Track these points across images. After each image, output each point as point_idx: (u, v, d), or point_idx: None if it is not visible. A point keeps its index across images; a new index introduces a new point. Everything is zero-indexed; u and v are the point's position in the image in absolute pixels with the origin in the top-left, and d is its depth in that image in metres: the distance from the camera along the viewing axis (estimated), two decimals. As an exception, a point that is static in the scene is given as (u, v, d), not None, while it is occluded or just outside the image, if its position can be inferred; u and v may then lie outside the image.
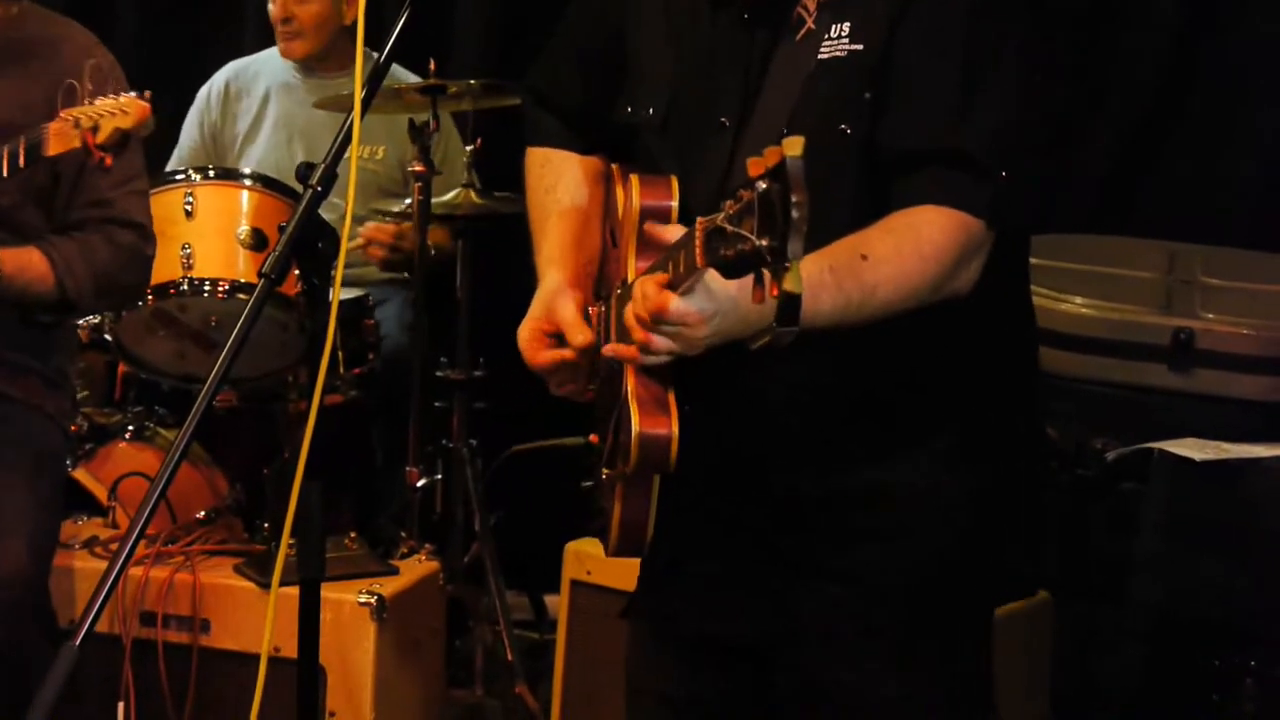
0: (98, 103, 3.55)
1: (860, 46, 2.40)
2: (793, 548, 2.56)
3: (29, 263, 3.77)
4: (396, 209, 5.13)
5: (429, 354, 4.94)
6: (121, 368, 4.86)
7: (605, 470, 2.53)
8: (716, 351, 2.30)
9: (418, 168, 4.78)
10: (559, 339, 2.54)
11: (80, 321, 4.51)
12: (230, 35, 6.15)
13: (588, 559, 4.19)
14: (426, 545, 4.54)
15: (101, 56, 3.89)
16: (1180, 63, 5.04)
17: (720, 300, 2.21)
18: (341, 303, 2.89)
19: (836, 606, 2.54)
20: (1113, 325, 4.33)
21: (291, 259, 2.63)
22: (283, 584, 2.80)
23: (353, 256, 5.35)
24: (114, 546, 4.25)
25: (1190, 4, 5.03)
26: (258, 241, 4.53)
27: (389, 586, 4.17)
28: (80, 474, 4.56)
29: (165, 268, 4.38)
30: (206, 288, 4.47)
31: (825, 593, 2.54)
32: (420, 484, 4.85)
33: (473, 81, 4.92)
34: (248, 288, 4.46)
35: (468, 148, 5.03)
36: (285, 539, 2.68)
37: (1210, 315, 4.36)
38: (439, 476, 4.95)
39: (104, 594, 2.29)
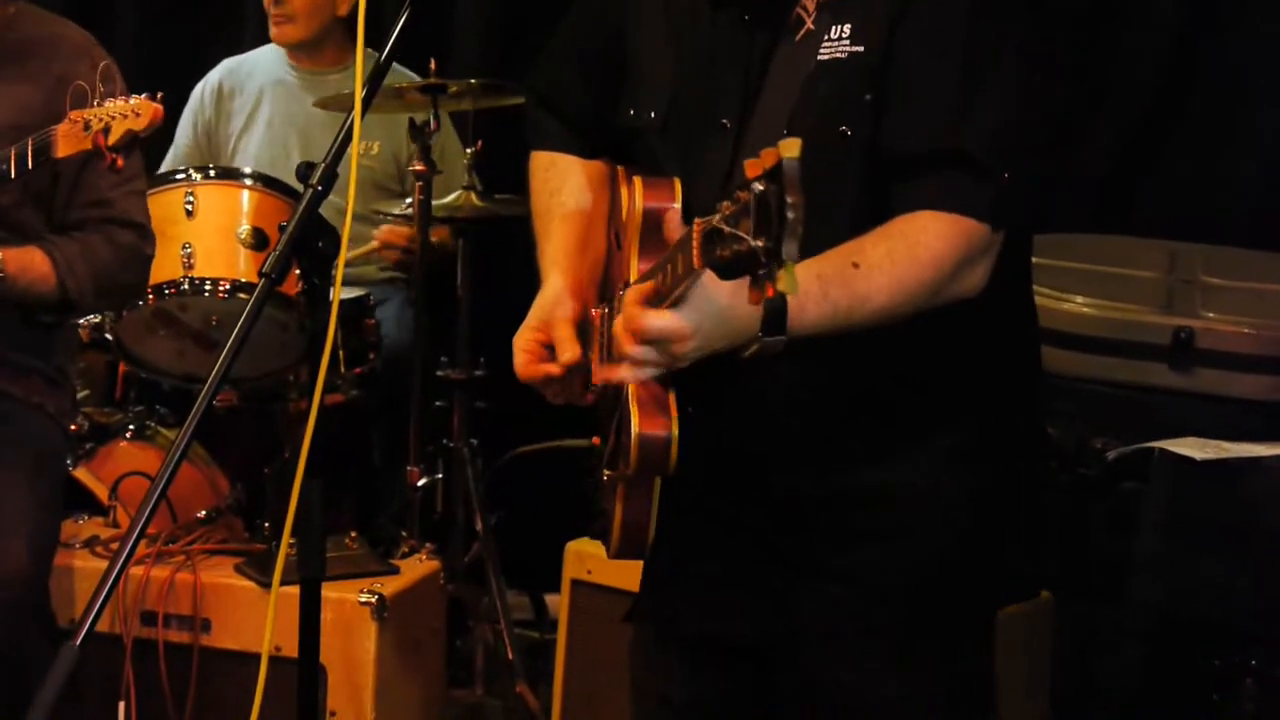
0: (109, 104, 3.55)
1: (860, 48, 2.40)
2: (793, 548, 2.56)
3: (31, 262, 3.77)
4: (398, 210, 5.13)
5: (429, 354, 4.94)
6: (122, 367, 4.86)
7: (607, 472, 2.54)
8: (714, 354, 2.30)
9: (418, 167, 4.78)
10: (553, 350, 2.55)
11: (81, 321, 4.52)
12: (230, 35, 6.15)
13: (588, 558, 4.19)
14: (427, 545, 4.54)
15: (100, 57, 3.89)
16: (1180, 63, 5.04)
17: (703, 314, 2.20)
18: (342, 302, 2.89)
19: (836, 606, 2.55)
20: (1114, 324, 4.33)
21: (292, 258, 2.63)
22: (283, 583, 2.80)
23: (363, 258, 5.37)
24: (115, 546, 4.25)
25: (1190, 4, 5.03)
26: (258, 241, 4.53)
27: (390, 586, 4.17)
28: (81, 473, 4.56)
29: (166, 267, 4.38)
30: (207, 287, 4.47)
31: (825, 593, 2.55)
32: (421, 483, 4.86)
33: (473, 81, 4.92)
34: (248, 287, 4.46)
35: (468, 149, 5.03)
36: (286, 538, 2.69)
37: (1211, 315, 4.36)
38: (440, 476, 4.96)
39: (105, 593, 2.29)
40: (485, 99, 5.05)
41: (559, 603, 4.37)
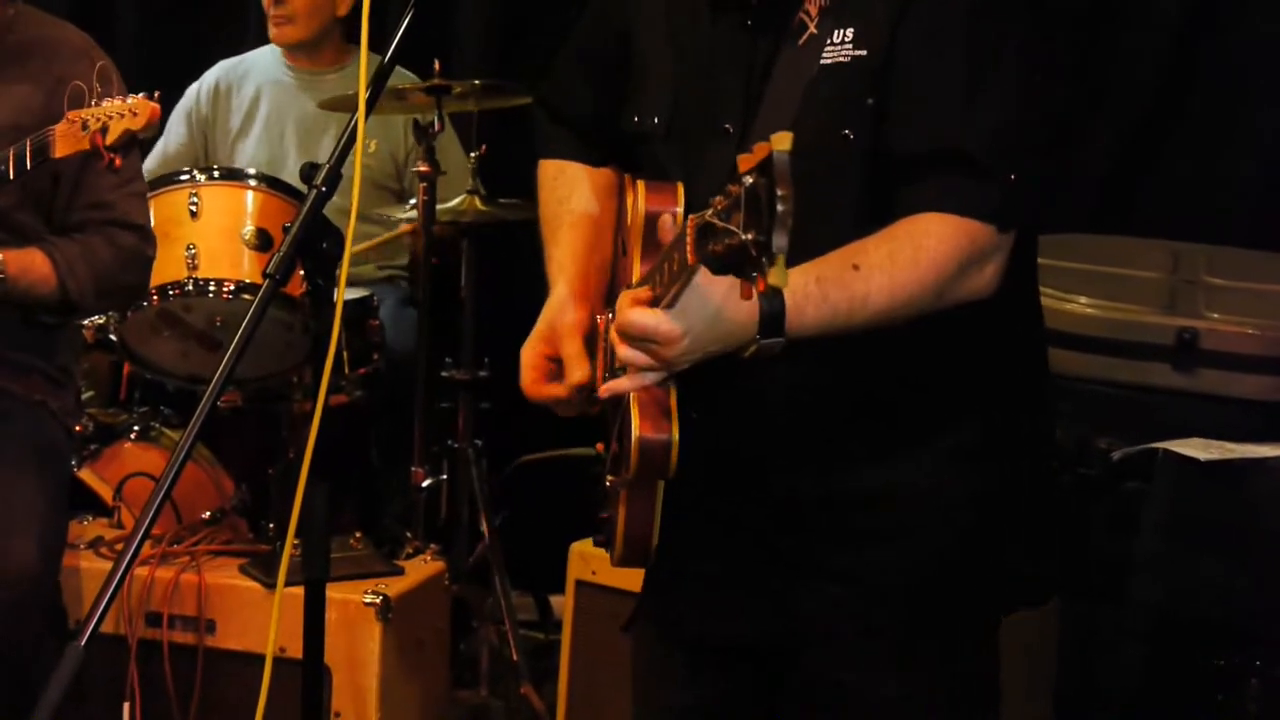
0: (106, 104, 3.56)
1: (864, 52, 2.40)
2: (793, 548, 2.56)
3: (32, 264, 3.78)
4: (401, 214, 5.14)
5: (433, 354, 4.94)
6: (127, 368, 4.87)
7: (609, 478, 2.54)
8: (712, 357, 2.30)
9: (423, 168, 4.78)
10: (559, 364, 2.55)
11: (86, 322, 4.53)
12: (230, 35, 6.15)
13: (593, 559, 4.19)
14: (431, 545, 4.55)
15: (99, 58, 3.90)
16: (1180, 63, 5.04)
17: (693, 317, 2.21)
18: (346, 303, 2.89)
19: (837, 607, 2.55)
20: (1116, 325, 4.32)
21: (296, 259, 2.64)
22: (288, 584, 2.80)
23: (369, 255, 5.37)
24: (119, 547, 4.26)
25: (1190, 4, 5.03)
26: (262, 242, 4.54)
27: (394, 587, 4.17)
28: (85, 474, 4.57)
29: (170, 268, 4.39)
30: (211, 288, 4.48)
31: (825, 593, 2.55)
32: (425, 484, 4.86)
33: (476, 82, 4.92)
34: (252, 288, 4.47)
35: (472, 154, 5.03)
36: (290, 539, 2.69)
37: (1214, 315, 4.35)
38: (444, 477, 4.96)
39: (109, 594, 2.30)
40: (488, 100, 5.05)
41: (563, 603, 4.37)
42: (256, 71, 5.71)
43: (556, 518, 4.01)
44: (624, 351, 2.25)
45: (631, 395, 2.35)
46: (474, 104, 5.11)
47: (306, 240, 2.64)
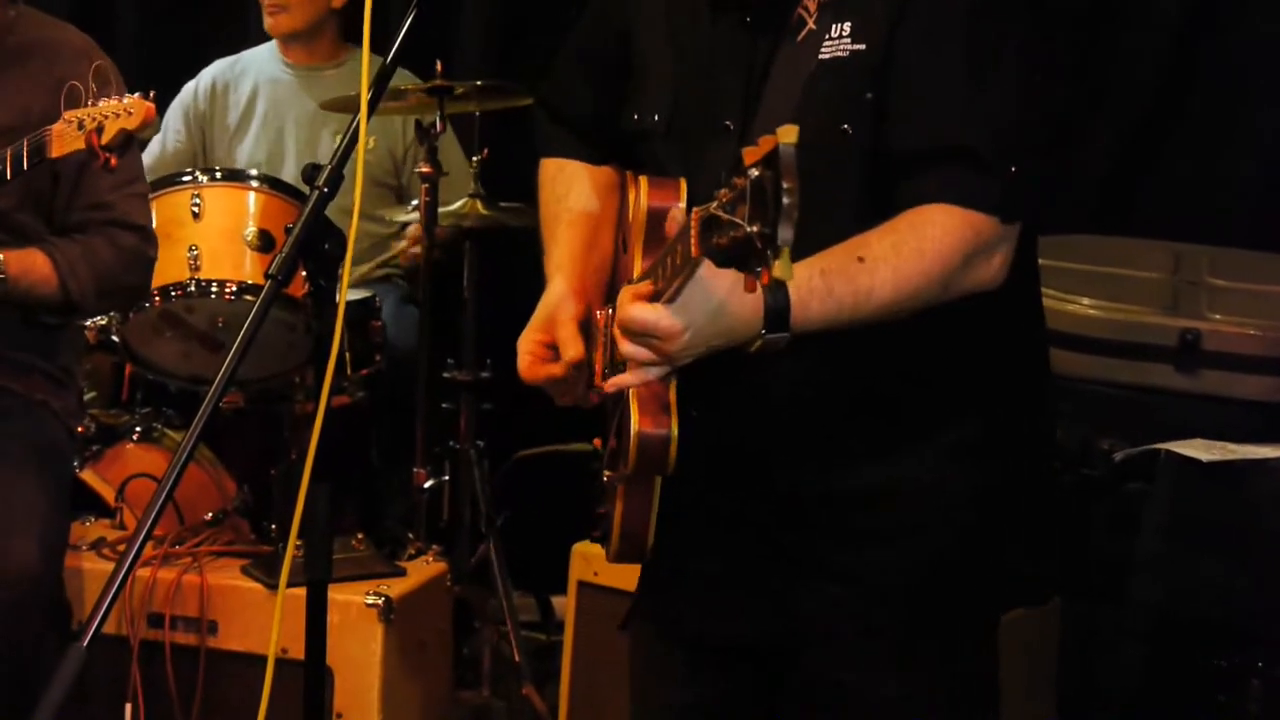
0: (102, 104, 3.56)
1: (862, 46, 2.40)
2: (794, 544, 2.56)
3: (33, 264, 3.78)
4: (403, 216, 5.15)
5: (435, 355, 4.94)
6: (129, 369, 4.87)
7: (607, 473, 2.54)
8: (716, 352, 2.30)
9: (425, 169, 4.78)
10: (556, 351, 2.56)
11: (88, 323, 4.53)
12: (231, 35, 6.15)
13: (595, 560, 4.19)
14: (434, 546, 4.54)
15: (98, 58, 3.90)
16: (1180, 63, 5.04)
17: (695, 312, 2.21)
18: (348, 304, 2.89)
19: (837, 606, 2.55)
20: (1119, 326, 4.33)
21: (298, 260, 2.63)
22: (290, 585, 2.80)
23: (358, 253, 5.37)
24: (121, 548, 4.26)
25: (1190, 4, 5.03)
26: (265, 243, 4.54)
27: (396, 588, 4.17)
28: (88, 475, 4.57)
29: (172, 269, 4.39)
30: (214, 289, 4.48)
31: (825, 592, 2.55)
32: (427, 485, 4.86)
33: (478, 82, 4.92)
34: (255, 289, 4.47)
35: (474, 158, 5.04)
36: (292, 540, 2.68)
37: (1217, 316, 4.36)
38: (446, 478, 4.96)
39: (111, 595, 2.29)
40: (490, 101, 5.05)
41: (565, 604, 4.37)
42: (254, 69, 5.71)
43: (558, 519, 4.01)
44: (626, 347, 2.25)
45: (631, 390, 2.35)
46: (475, 105, 5.11)
47: (309, 241, 2.64)
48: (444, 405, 5.03)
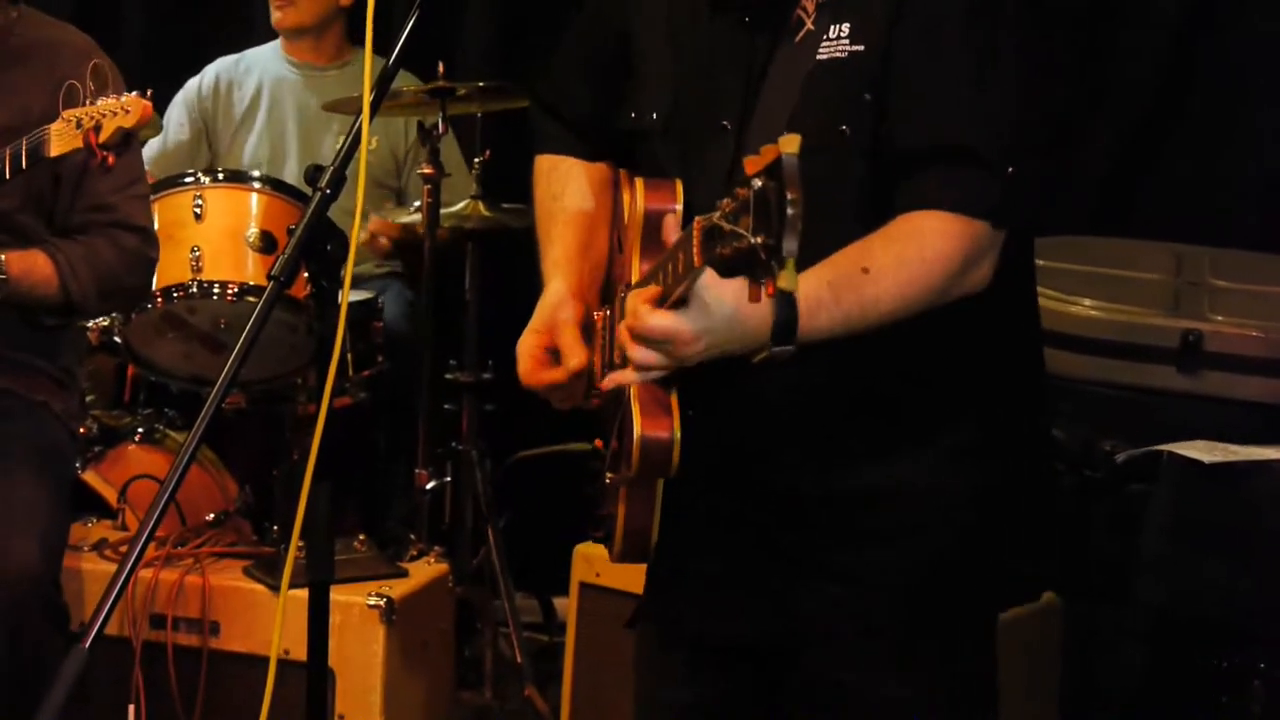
0: (100, 103, 3.56)
1: (860, 47, 2.41)
2: (794, 544, 2.56)
3: (34, 265, 3.78)
4: (405, 217, 5.15)
5: (437, 356, 4.94)
6: (131, 370, 4.87)
7: (609, 475, 2.54)
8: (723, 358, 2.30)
9: (427, 170, 4.78)
10: (557, 355, 2.56)
11: (90, 324, 4.53)
12: (234, 35, 6.15)
13: (597, 561, 4.19)
14: (435, 548, 4.54)
15: (99, 59, 3.90)
16: (1180, 62, 5.03)
17: (714, 319, 2.21)
18: (350, 305, 2.89)
19: (837, 606, 2.55)
20: (1121, 327, 4.33)
21: (300, 262, 2.63)
22: (292, 586, 2.80)
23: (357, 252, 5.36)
24: (124, 549, 4.26)
25: (1190, 4, 5.03)
26: (267, 244, 4.54)
27: (398, 589, 4.17)
28: (90, 476, 4.57)
29: (174, 270, 4.40)
30: (215, 290, 4.48)
31: (825, 593, 2.55)
32: (429, 486, 4.86)
33: (480, 84, 4.92)
34: (257, 290, 4.47)
35: (476, 160, 5.04)
36: (294, 541, 2.69)
37: (1219, 317, 4.36)
38: (448, 479, 4.96)
39: (114, 596, 2.29)
40: (492, 102, 5.06)
41: (567, 605, 4.37)
42: (258, 67, 5.71)
43: (560, 520, 4.01)
44: (635, 352, 2.24)
45: (632, 393, 2.35)
46: (477, 106, 5.11)
47: (311, 242, 2.64)
48: (446, 406, 5.03)
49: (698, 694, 2.71)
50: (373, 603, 4.08)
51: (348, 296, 2.71)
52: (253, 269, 4.52)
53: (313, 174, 2.68)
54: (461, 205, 4.99)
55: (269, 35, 5.77)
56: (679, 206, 2.41)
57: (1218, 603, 3.79)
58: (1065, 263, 4.47)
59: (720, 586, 2.64)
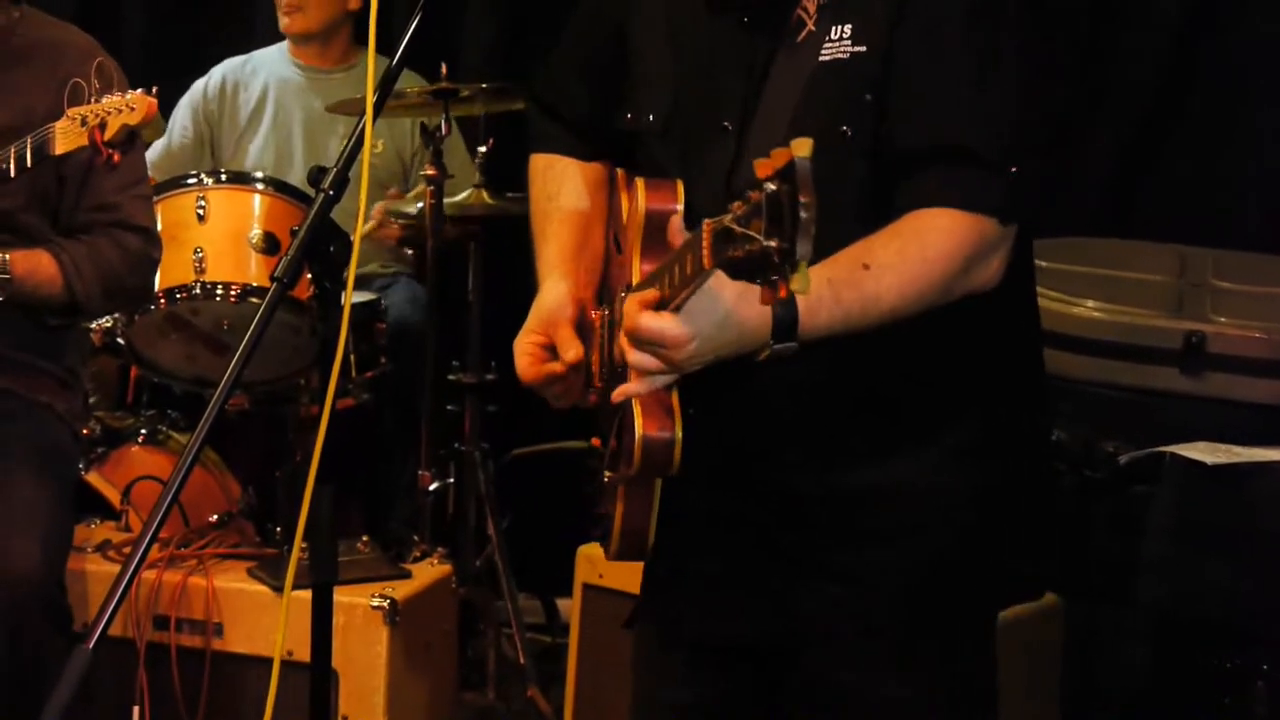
0: (105, 100, 3.57)
1: (862, 48, 2.41)
2: (794, 544, 2.56)
3: (39, 265, 3.78)
4: (408, 209, 5.14)
5: (440, 357, 4.94)
6: (134, 371, 4.87)
7: (608, 474, 2.54)
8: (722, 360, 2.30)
9: (429, 171, 4.78)
10: (554, 352, 2.56)
11: (93, 325, 4.53)
12: (236, 35, 6.15)
13: (600, 562, 4.19)
14: (438, 549, 4.54)
15: (102, 58, 3.91)
16: (1181, 63, 5.03)
17: (704, 320, 2.21)
18: (353, 306, 2.89)
19: (837, 606, 2.55)
20: (1124, 329, 4.33)
21: (304, 263, 2.64)
22: (295, 587, 2.80)
23: (364, 242, 5.36)
24: (127, 550, 4.26)
25: (1190, 4, 5.02)
26: (269, 245, 4.54)
27: (401, 590, 4.17)
28: (93, 477, 4.57)
29: (177, 271, 4.40)
30: (218, 291, 4.48)
31: (825, 592, 2.55)
32: (432, 487, 4.86)
33: (483, 85, 4.92)
34: (260, 291, 4.47)
35: (480, 148, 5.04)
36: (298, 542, 2.69)
37: (1222, 319, 4.36)
38: (451, 480, 4.96)
39: (117, 598, 2.30)
40: (495, 103, 5.06)
41: (570, 606, 4.37)
42: (264, 70, 5.71)
43: (563, 521, 4.01)
44: (633, 355, 2.25)
45: None
46: (480, 107, 5.11)
47: (314, 244, 2.64)
48: (449, 407, 5.03)
49: (697, 694, 2.70)
50: (376, 604, 4.08)
51: (350, 298, 2.71)
52: (255, 270, 4.52)
53: (316, 175, 2.68)
54: (465, 194, 4.98)
55: (270, 35, 5.77)
56: (680, 207, 2.42)
57: (1220, 604, 3.79)
58: (1068, 264, 4.47)
59: (720, 586, 2.64)
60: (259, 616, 4.10)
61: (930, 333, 2.41)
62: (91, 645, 2.26)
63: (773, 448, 2.54)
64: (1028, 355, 2.70)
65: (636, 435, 2.34)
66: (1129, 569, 3.93)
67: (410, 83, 5.10)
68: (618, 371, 2.44)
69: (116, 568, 4.01)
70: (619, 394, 2.35)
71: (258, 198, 4.64)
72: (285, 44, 5.74)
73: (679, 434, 2.34)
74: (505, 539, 4.89)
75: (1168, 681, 3.95)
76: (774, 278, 1.86)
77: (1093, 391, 4.28)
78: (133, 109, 3.55)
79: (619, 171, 2.68)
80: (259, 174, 4.89)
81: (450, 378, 5.00)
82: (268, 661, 2.78)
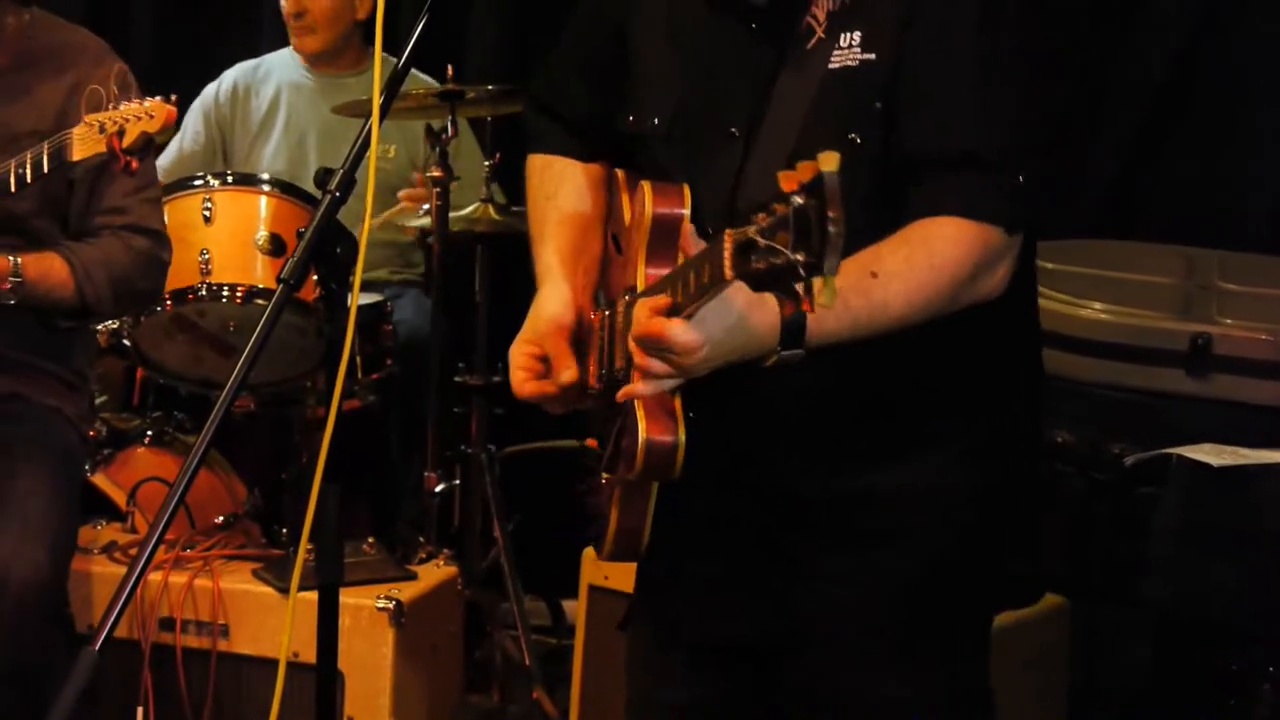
0: (123, 107, 3.57)
1: (872, 56, 2.41)
2: (794, 544, 2.57)
3: (50, 268, 3.79)
4: (415, 222, 5.15)
5: (447, 359, 4.95)
6: (140, 372, 4.88)
7: (605, 475, 2.54)
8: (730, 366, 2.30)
9: (436, 173, 4.78)
10: (548, 364, 2.56)
11: (99, 326, 4.52)
12: (244, 37, 6.16)
13: (606, 564, 4.18)
14: (444, 550, 4.54)
15: (115, 62, 3.91)
16: (1181, 63, 5.02)
17: (715, 326, 2.21)
18: (359, 308, 2.90)
19: (837, 607, 2.55)
20: (1130, 330, 4.32)
21: (310, 264, 2.64)
22: (301, 589, 2.80)
23: (388, 232, 5.36)
24: (133, 551, 4.26)
25: (1190, 4, 5.02)
26: (276, 247, 4.54)
27: (407, 591, 4.17)
28: (99, 479, 4.56)
29: (184, 273, 4.40)
30: (225, 293, 4.48)
31: (825, 593, 2.55)
32: (439, 489, 4.86)
33: (490, 87, 4.92)
34: (266, 293, 4.47)
35: (487, 162, 5.04)
36: (304, 544, 2.69)
37: (1228, 320, 4.36)
38: (457, 482, 4.96)
39: (123, 599, 2.30)
40: (502, 105, 5.06)
41: (576, 608, 4.37)
42: (276, 74, 5.71)
43: (569, 523, 4.01)
44: (642, 360, 2.25)
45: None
46: (488, 109, 5.11)
47: (320, 245, 2.64)
48: (455, 409, 5.03)
49: (696, 694, 2.71)
50: (382, 605, 4.08)
51: (357, 299, 2.72)
52: (262, 272, 4.53)
53: (323, 177, 2.68)
54: (471, 209, 4.99)
55: (278, 37, 5.77)
56: (687, 211, 2.42)
57: (1226, 605, 3.78)
58: (1074, 266, 4.47)
59: (720, 587, 2.65)
60: (265, 618, 4.10)
61: (935, 337, 2.42)
62: (98, 647, 2.26)
63: (777, 452, 2.54)
64: (1029, 356, 2.71)
65: (639, 439, 2.34)
66: (1134, 570, 3.93)
67: (419, 85, 5.10)
68: (617, 374, 2.45)
69: (122, 569, 4.00)
70: (624, 394, 2.35)
71: (264, 199, 4.64)
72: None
73: (682, 438, 2.35)
74: (511, 541, 4.90)
75: (1173, 683, 3.95)
76: (798, 291, 1.87)
77: (1099, 393, 4.28)
78: (152, 116, 3.55)
79: (618, 172, 2.67)
80: (265, 175, 4.88)
81: (456, 380, 5.01)
82: (273, 663, 2.79)
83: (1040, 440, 2.84)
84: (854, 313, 2.31)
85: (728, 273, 1.98)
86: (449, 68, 4.86)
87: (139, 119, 3.55)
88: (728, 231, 1.98)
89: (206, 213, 4.54)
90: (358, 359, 4.74)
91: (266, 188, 4.68)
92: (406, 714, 4.13)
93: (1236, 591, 3.77)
